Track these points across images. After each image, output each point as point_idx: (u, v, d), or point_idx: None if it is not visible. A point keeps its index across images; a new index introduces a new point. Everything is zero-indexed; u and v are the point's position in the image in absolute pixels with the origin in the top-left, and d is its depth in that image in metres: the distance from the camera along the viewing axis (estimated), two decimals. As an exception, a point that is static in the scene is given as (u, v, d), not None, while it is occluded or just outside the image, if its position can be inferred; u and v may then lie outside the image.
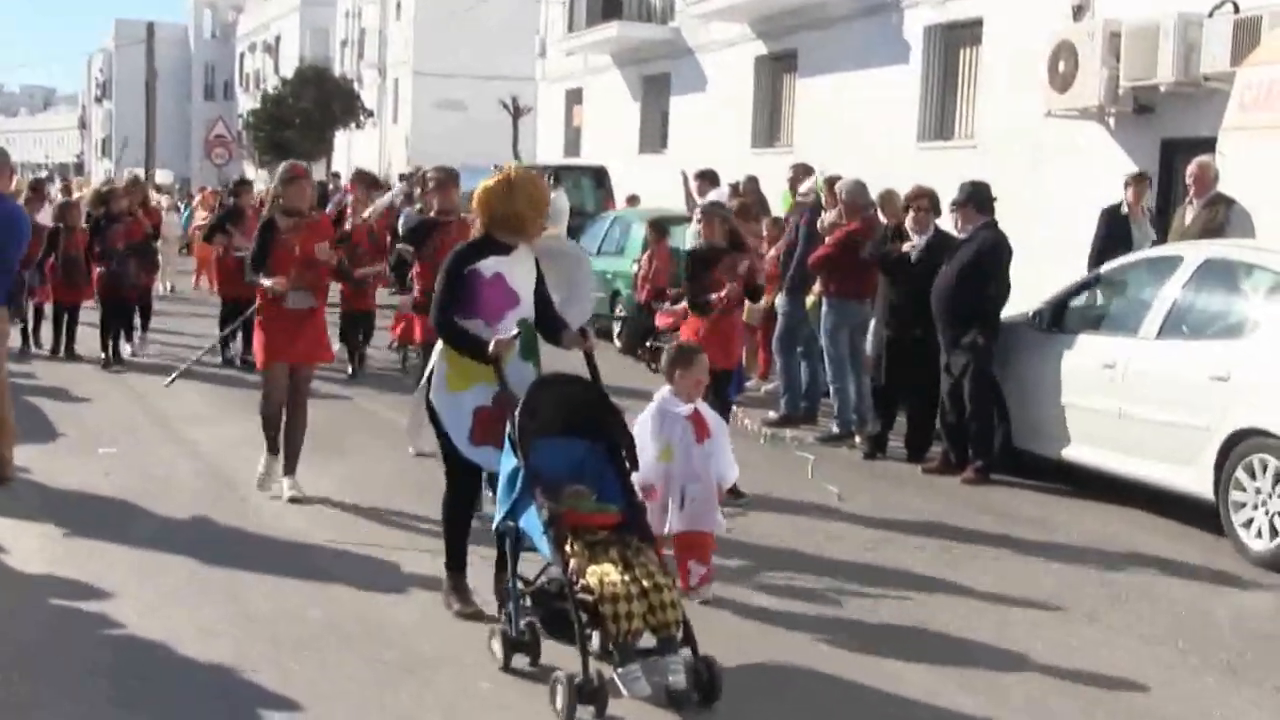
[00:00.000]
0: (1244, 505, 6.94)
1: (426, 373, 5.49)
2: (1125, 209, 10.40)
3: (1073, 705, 4.79)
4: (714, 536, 5.76)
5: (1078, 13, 13.83)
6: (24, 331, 13.38)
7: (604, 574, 4.43)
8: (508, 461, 4.78)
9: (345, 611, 5.56)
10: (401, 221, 11.19)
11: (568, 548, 4.54)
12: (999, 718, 4.64)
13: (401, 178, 21.03)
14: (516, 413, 4.75)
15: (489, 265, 5.24)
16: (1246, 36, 11.31)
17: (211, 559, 6.25)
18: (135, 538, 6.61)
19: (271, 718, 4.47)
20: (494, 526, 4.93)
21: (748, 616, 5.62)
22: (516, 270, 5.31)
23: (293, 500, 7.29)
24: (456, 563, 5.53)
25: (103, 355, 12.79)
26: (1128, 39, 12.56)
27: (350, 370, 12.36)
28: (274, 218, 7.49)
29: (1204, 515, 7.31)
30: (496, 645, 4.85)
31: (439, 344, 5.40)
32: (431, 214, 8.75)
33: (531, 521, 4.65)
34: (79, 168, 79.53)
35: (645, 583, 4.42)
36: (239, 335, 12.35)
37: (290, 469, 7.49)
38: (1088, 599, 6.11)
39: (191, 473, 8.27)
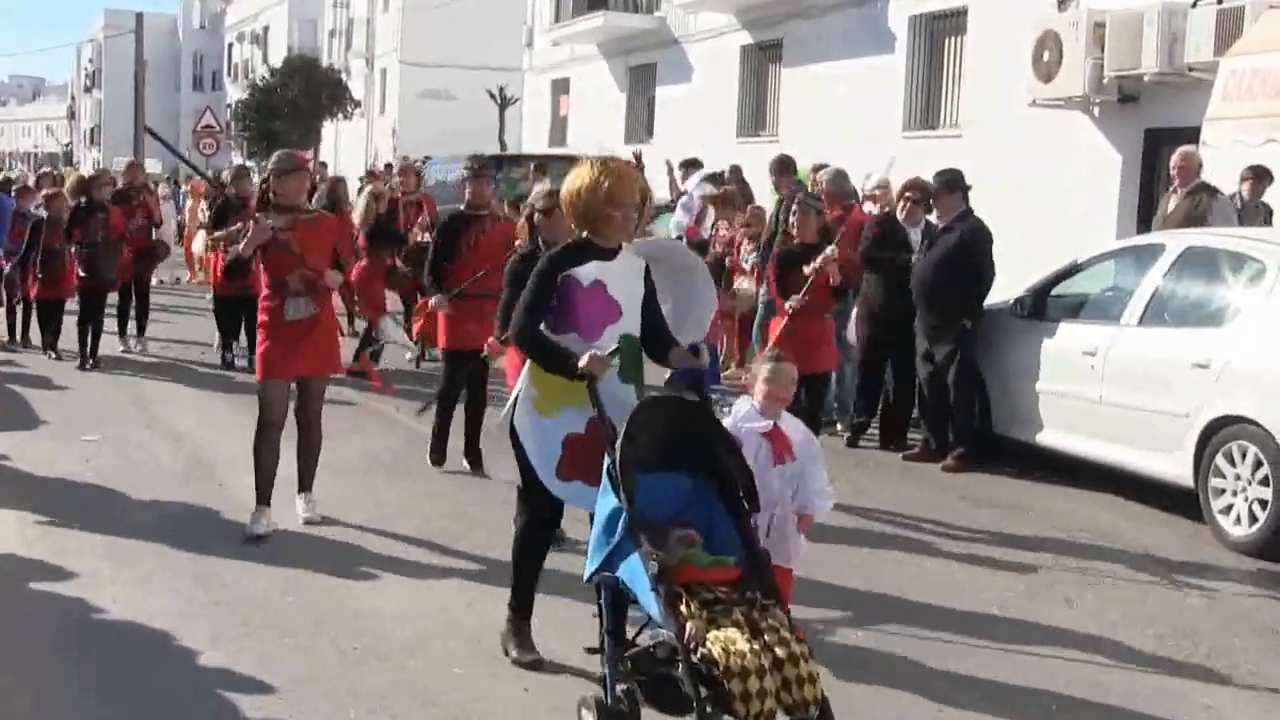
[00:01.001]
0: (1224, 492, 6.97)
1: (513, 395, 4.73)
2: (1240, 202, 10.03)
3: (1045, 690, 4.80)
4: (792, 574, 4.81)
5: (1062, 3, 13.85)
6: (11, 326, 13.16)
7: (729, 642, 3.67)
8: (605, 501, 4.06)
9: (319, 598, 5.55)
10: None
11: (682, 608, 3.77)
12: (968, 701, 4.65)
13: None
14: (617, 444, 4.04)
15: (588, 271, 4.49)
16: (1230, 27, 11.35)
17: (188, 545, 6.24)
18: (113, 523, 6.61)
19: (244, 701, 4.47)
20: (587, 576, 4.17)
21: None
22: (620, 277, 4.56)
23: (308, 523, 6.59)
24: (523, 606, 4.87)
25: (79, 355, 11.83)
26: (1112, 29, 12.57)
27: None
28: (266, 214, 6.49)
29: (1184, 502, 7.33)
30: (589, 716, 4.14)
31: (526, 362, 4.68)
32: (462, 208, 8.11)
33: (635, 573, 3.90)
34: (68, 157, 79.27)
35: (779, 651, 3.68)
36: (241, 335, 11.87)
37: (306, 484, 6.78)
38: (1064, 584, 6.13)
39: (172, 459, 8.26)
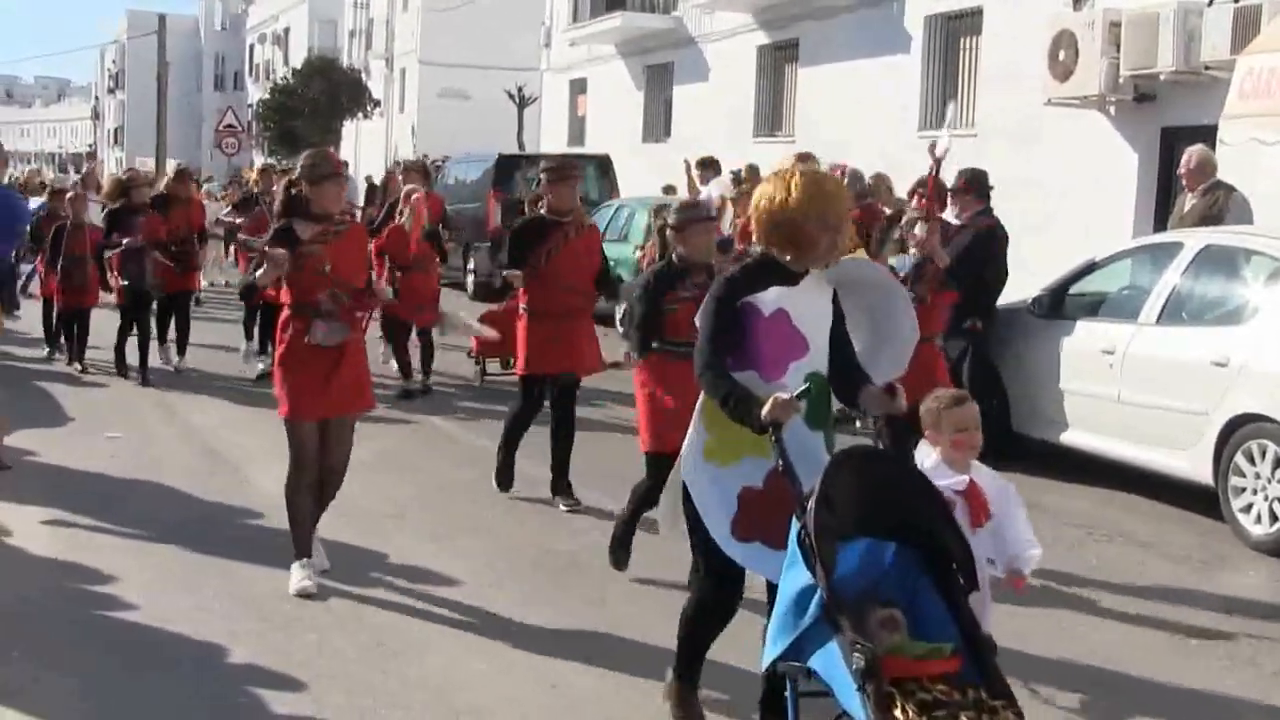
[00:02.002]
0: (1243, 490, 6.96)
1: (687, 440, 4.05)
2: None
3: (1063, 688, 4.80)
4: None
5: (1077, 2, 13.84)
6: (47, 332, 12.45)
7: None
8: (794, 574, 3.39)
9: (337, 595, 5.59)
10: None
11: (897, 714, 3.10)
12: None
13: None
14: (811, 505, 3.38)
15: (770, 298, 3.81)
16: (1246, 25, 11.33)
17: (210, 541, 6.30)
18: (137, 520, 6.67)
19: (265, 695, 4.51)
20: (766, 665, 3.53)
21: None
22: (806, 305, 3.87)
23: (302, 594, 5.55)
24: (690, 677, 4.24)
25: (116, 369, 11.14)
26: (1128, 28, 12.56)
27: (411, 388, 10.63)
28: (291, 223, 5.60)
29: (1203, 500, 7.32)
30: None
31: (699, 401, 3.98)
32: (543, 212, 7.27)
33: (834, 666, 3.23)
34: (91, 157, 79.85)
35: None
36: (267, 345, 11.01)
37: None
38: (1081, 583, 6.13)
39: (194, 456, 8.34)
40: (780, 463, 3.56)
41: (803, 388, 3.74)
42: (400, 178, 12.61)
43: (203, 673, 4.73)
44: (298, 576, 5.58)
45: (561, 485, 7.12)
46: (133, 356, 11.08)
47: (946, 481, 3.87)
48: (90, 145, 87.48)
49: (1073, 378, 8.21)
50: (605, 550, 5.91)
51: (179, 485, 7.48)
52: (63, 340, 12.04)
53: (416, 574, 5.90)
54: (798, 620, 3.34)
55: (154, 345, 11.43)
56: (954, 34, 16.75)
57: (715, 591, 4.07)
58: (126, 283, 10.89)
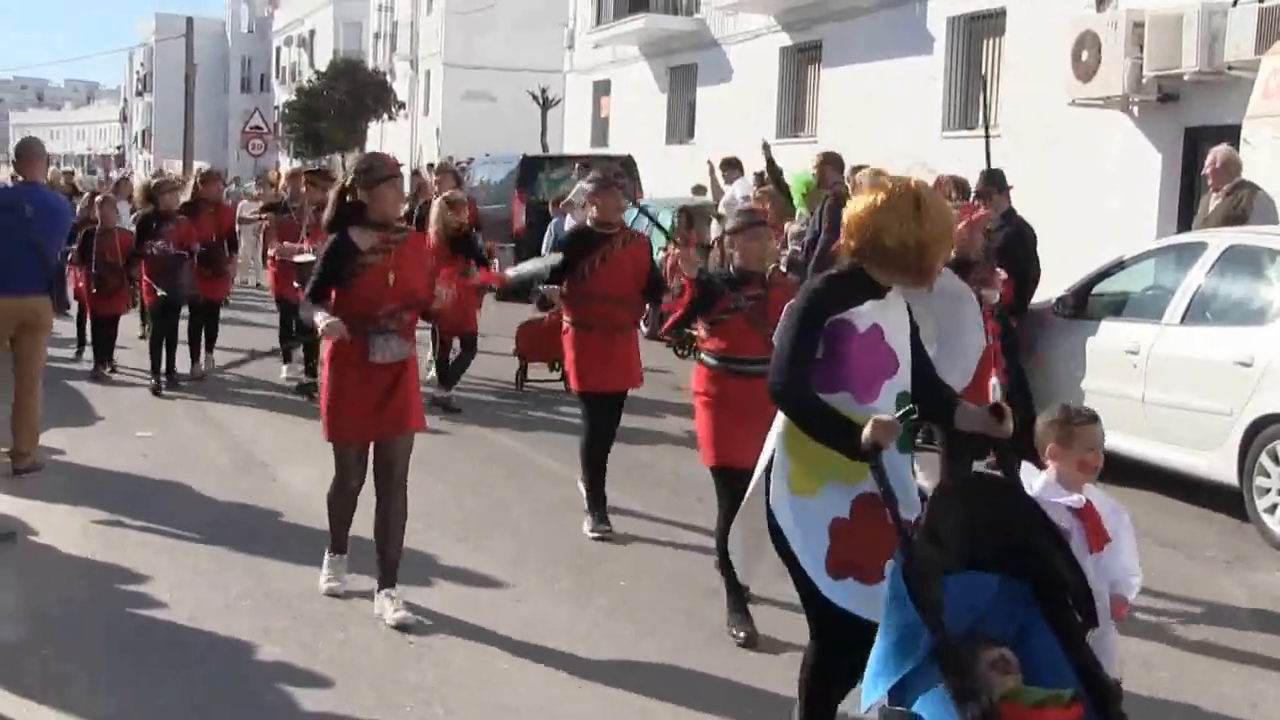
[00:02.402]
0: (1268, 491, 6.96)
1: (771, 475, 3.63)
2: None
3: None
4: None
5: (1100, 3, 13.81)
6: (80, 336, 12.36)
7: None
8: (898, 612, 3.07)
9: (365, 594, 5.58)
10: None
11: None
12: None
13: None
14: (914, 539, 3.12)
15: (865, 313, 3.55)
16: (1271, 25, 11.27)
17: (240, 539, 6.37)
18: (168, 518, 6.74)
19: (296, 693, 4.56)
20: (866, 705, 3.22)
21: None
22: (894, 319, 3.63)
23: (400, 627, 5.16)
24: None
25: (152, 378, 10.68)
26: (1151, 28, 12.51)
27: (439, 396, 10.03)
28: (348, 233, 5.20)
29: (1227, 501, 7.32)
30: None
31: (776, 424, 3.65)
32: (589, 223, 6.97)
33: (941, 714, 2.96)
34: (120, 161, 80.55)
35: None
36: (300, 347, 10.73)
37: (389, 576, 5.35)
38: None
39: (224, 454, 8.43)
40: (881, 490, 3.26)
41: (905, 409, 3.49)
42: (434, 180, 12.60)
43: (232, 670, 4.77)
44: (327, 575, 5.55)
45: (599, 502, 6.78)
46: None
47: (1062, 499, 3.63)
48: (119, 147, 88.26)
49: (1097, 377, 8.22)
50: (633, 548, 5.93)
51: (209, 484, 7.55)
52: (90, 346, 11.74)
53: (446, 572, 5.95)
54: (901, 661, 3.03)
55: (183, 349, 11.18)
56: (976, 35, 16.73)
57: (833, 643, 3.56)
58: (163, 292, 10.49)
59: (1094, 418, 3.82)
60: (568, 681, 4.70)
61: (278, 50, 65.43)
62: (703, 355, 5.41)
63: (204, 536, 6.40)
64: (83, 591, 5.63)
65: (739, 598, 5.13)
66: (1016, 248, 8.49)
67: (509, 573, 5.99)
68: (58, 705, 4.40)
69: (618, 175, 7.05)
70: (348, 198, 5.25)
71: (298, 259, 10.08)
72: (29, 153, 7.73)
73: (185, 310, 11.10)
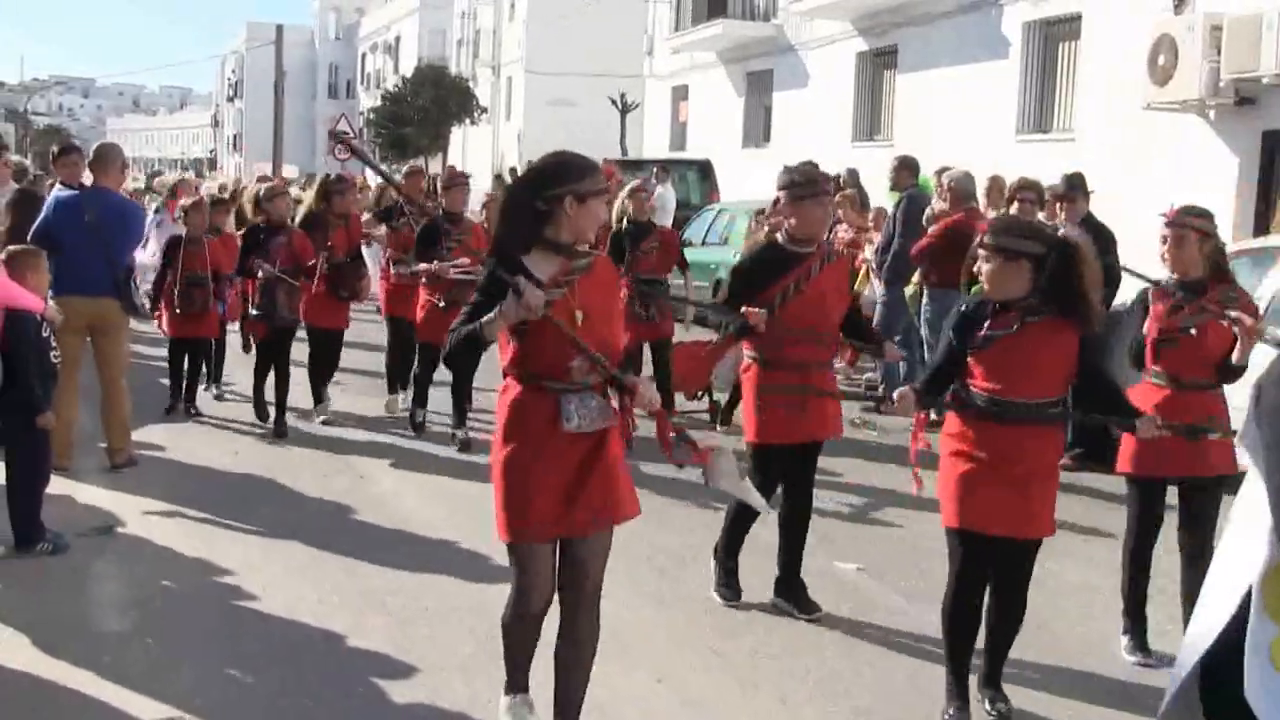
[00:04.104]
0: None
1: (1248, 647, 1.92)
2: None
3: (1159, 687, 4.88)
4: None
5: (1178, 6, 13.77)
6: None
7: None
8: None
9: (454, 590, 5.72)
10: None
11: None
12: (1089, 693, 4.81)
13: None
14: None
15: None
16: (1351, 27, 11.21)
17: (331, 535, 6.55)
18: (260, 515, 6.91)
19: (385, 684, 4.68)
20: None
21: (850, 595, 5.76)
22: None
23: None
24: None
25: (256, 414, 9.41)
26: (1229, 31, 12.47)
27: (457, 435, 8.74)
28: (521, 260, 3.78)
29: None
30: None
31: (1257, 576, 1.88)
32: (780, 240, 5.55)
33: None
34: (211, 163, 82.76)
35: None
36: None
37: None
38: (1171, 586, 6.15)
39: (315, 453, 8.62)
40: None
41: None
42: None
43: (325, 663, 4.87)
44: (503, 706, 4.21)
45: (794, 586, 5.57)
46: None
47: None
48: (211, 150, 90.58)
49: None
50: (712, 548, 5.80)
51: (301, 479, 7.76)
52: (170, 379, 9.88)
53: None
54: None
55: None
56: (1052, 39, 16.73)
57: None
58: (259, 313, 9.06)
59: None
60: (650, 680, 4.68)
61: (363, 57, 66.71)
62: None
63: (297, 533, 6.54)
64: (181, 584, 5.80)
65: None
66: (1105, 249, 8.55)
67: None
68: (158, 694, 4.52)
69: (825, 179, 5.70)
70: (559, 201, 3.83)
71: (454, 274, 8.41)
72: (103, 158, 7.91)
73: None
